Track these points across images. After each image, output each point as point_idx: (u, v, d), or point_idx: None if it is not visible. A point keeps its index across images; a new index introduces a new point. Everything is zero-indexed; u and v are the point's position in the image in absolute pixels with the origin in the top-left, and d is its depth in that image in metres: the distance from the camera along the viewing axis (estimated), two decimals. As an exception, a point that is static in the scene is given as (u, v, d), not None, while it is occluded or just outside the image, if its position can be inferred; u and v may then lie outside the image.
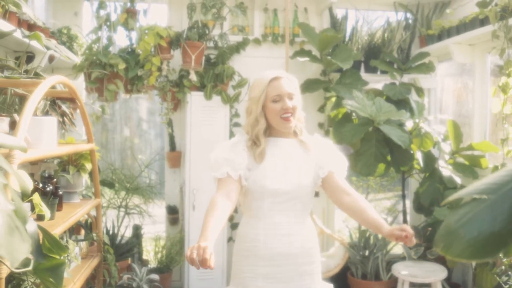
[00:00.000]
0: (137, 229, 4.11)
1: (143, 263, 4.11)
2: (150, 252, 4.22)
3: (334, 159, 2.13)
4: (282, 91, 2.03)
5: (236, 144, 2.09)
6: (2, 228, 0.90)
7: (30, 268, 1.30)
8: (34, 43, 2.61)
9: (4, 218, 0.91)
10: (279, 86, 2.04)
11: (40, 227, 1.25)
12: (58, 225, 2.15)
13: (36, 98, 1.79)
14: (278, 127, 2.06)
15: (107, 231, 3.95)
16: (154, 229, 4.36)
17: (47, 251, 1.28)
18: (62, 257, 1.29)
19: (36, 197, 1.75)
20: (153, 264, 4.18)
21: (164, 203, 4.44)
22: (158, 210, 4.41)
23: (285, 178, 2.02)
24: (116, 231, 3.99)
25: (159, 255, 4.12)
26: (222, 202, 1.88)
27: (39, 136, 2.14)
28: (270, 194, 2.02)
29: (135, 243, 4.00)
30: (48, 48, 2.46)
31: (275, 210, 2.03)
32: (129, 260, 3.93)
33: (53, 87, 2.43)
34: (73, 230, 3.59)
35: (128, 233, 4.13)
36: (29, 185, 1.25)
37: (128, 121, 5.93)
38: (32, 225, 1.14)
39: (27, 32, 2.32)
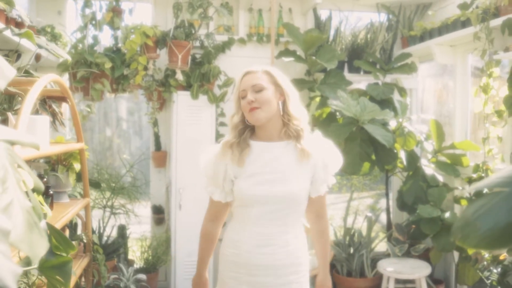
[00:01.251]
0: (122, 229, 4.09)
1: (129, 263, 4.09)
2: (136, 252, 4.20)
3: (329, 174, 1.97)
4: (245, 85, 1.91)
5: (221, 154, 1.96)
6: (23, 224, 0.90)
7: (35, 266, 1.30)
8: (22, 41, 2.58)
9: (24, 215, 0.92)
10: (244, 81, 1.93)
11: (47, 224, 1.25)
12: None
13: (33, 96, 1.79)
14: (250, 122, 1.93)
15: (93, 231, 3.92)
16: (139, 229, 4.35)
17: (54, 249, 1.28)
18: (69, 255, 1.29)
19: (38, 196, 1.74)
20: (139, 264, 4.16)
21: (150, 203, 4.42)
22: (143, 210, 4.40)
23: (275, 187, 1.88)
24: (101, 231, 3.96)
25: (145, 255, 4.10)
26: (211, 230, 2.08)
27: (33, 135, 2.13)
28: (257, 202, 1.90)
29: (121, 243, 3.98)
30: (40, 47, 2.44)
31: (263, 219, 1.91)
32: (115, 260, 3.90)
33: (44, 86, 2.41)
34: (58, 231, 3.56)
35: (114, 234, 4.10)
36: (41, 182, 1.25)
37: (109, 121, 5.89)
38: (42, 222, 1.14)
39: (17, 30, 2.29)
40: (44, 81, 1.91)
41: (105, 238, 3.96)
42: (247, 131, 1.97)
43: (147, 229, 4.43)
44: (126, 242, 4.12)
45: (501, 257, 3.29)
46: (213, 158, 1.97)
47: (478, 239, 0.77)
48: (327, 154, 1.97)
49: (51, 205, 2.44)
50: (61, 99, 2.46)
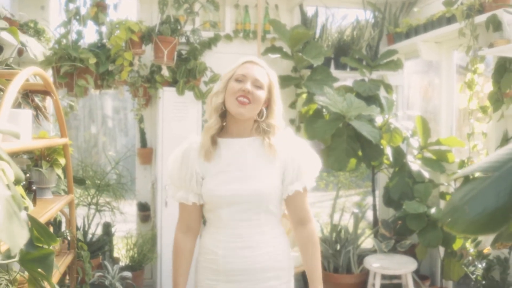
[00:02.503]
0: (107, 227, 4.05)
1: (114, 261, 4.05)
2: (122, 250, 4.16)
3: (303, 170, 1.84)
4: (248, 73, 1.81)
5: (188, 150, 1.86)
6: (2, 213, 0.88)
7: (16, 259, 1.27)
8: (4, 35, 2.54)
9: (3, 203, 0.89)
10: (249, 68, 1.82)
11: (28, 216, 1.22)
12: (34, 220, 2.10)
13: (14, 88, 1.75)
14: (231, 109, 1.80)
15: (77, 228, 3.87)
16: (125, 227, 4.31)
17: (36, 241, 1.25)
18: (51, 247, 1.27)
19: (19, 189, 1.71)
20: (124, 262, 4.12)
21: (135, 201, 4.38)
22: (129, 208, 4.36)
23: (242, 185, 1.79)
24: (86, 228, 3.92)
25: (130, 253, 4.07)
26: (184, 246, 1.90)
27: (15, 129, 2.09)
28: (226, 203, 1.80)
29: (106, 240, 3.94)
30: (23, 45, 2.40)
31: (235, 220, 1.81)
32: (100, 258, 3.86)
33: (26, 79, 2.37)
34: (42, 228, 3.50)
35: (99, 231, 4.06)
36: (21, 173, 1.21)
37: (94, 118, 5.84)
38: (23, 213, 1.12)
39: (2, 24, 2.25)
40: (26, 74, 1.88)
41: (90, 236, 3.91)
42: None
43: (133, 227, 4.39)
44: (112, 240, 4.08)
45: (485, 251, 3.31)
46: (181, 156, 1.87)
47: (467, 224, 0.77)
48: (298, 152, 1.87)
49: (34, 201, 2.39)
50: (45, 93, 2.42)
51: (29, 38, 2.53)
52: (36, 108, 2.41)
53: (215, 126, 1.83)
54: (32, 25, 3.78)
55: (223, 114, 1.87)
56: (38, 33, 3.81)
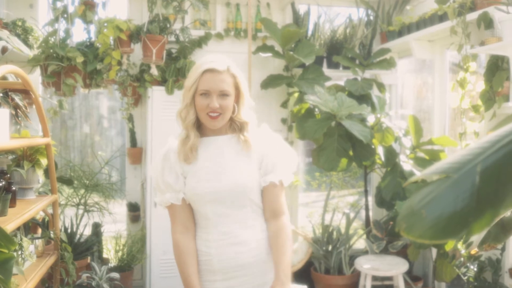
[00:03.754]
0: (96, 227, 4.01)
1: (103, 261, 4.01)
2: (111, 251, 4.12)
3: (277, 164, 1.86)
4: (211, 87, 1.78)
5: (168, 154, 1.87)
6: None
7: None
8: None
9: None
10: (210, 81, 1.79)
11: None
12: (10, 221, 2.06)
13: (-15, 87, 1.71)
14: (204, 122, 1.84)
15: (65, 229, 3.83)
16: (114, 228, 4.26)
17: (-6, 245, 1.21)
18: (11, 252, 1.22)
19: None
20: (113, 262, 4.08)
21: (125, 201, 4.34)
22: (118, 208, 4.32)
23: (221, 181, 1.81)
24: (74, 229, 3.87)
25: (119, 253, 4.02)
26: (187, 245, 1.83)
27: (-10, 128, 2.05)
28: (208, 200, 1.81)
29: (95, 241, 3.90)
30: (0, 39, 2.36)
31: (221, 217, 1.82)
32: (88, 258, 3.82)
33: (4, 78, 2.33)
34: (30, 229, 3.47)
35: (88, 232, 4.02)
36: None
37: (89, 118, 5.80)
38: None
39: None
40: (-1, 72, 1.83)
41: (78, 236, 3.87)
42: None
43: (123, 227, 4.35)
44: (101, 240, 4.04)
45: (472, 252, 3.27)
46: (162, 159, 1.87)
47: (423, 229, 0.72)
48: (273, 147, 1.88)
49: (13, 202, 2.35)
50: (24, 92, 2.38)
51: (11, 36, 2.48)
52: (16, 107, 2.37)
53: (196, 141, 1.84)
54: (20, 23, 3.73)
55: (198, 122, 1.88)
56: (26, 32, 3.76)
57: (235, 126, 1.88)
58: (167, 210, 1.90)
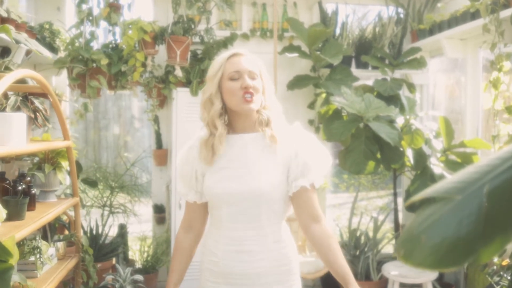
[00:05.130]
0: (122, 228, 4.02)
1: (129, 263, 4.02)
2: (136, 252, 4.12)
3: (309, 166, 1.71)
4: (241, 68, 1.70)
5: (191, 149, 1.81)
6: None
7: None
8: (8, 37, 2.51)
9: None
10: (238, 62, 1.72)
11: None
12: (27, 225, 2.06)
13: (-4, 92, 1.70)
14: (238, 109, 1.72)
15: (91, 230, 3.85)
16: (140, 228, 4.27)
17: (-7, 256, 1.19)
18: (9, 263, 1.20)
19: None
20: (139, 264, 4.09)
21: (151, 202, 4.34)
22: (144, 208, 4.32)
23: (242, 183, 1.70)
24: (100, 230, 3.89)
25: (144, 255, 4.02)
26: (183, 243, 1.85)
27: (7, 133, 2.05)
28: (225, 202, 1.72)
29: (120, 242, 3.91)
30: (17, 42, 2.36)
31: (234, 222, 1.73)
32: (114, 260, 3.83)
33: (24, 81, 2.34)
34: (56, 230, 3.50)
35: (113, 232, 4.03)
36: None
37: (121, 119, 5.85)
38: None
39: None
40: (12, 77, 1.83)
41: (103, 238, 3.89)
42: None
43: (149, 228, 4.35)
44: (126, 242, 4.05)
45: (504, 263, 3.12)
46: (186, 153, 1.83)
47: (423, 256, 0.65)
48: (304, 147, 1.73)
49: (32, 205, 2.36)
50: (43, 95, 2.38)
51: (29, 39, 2.49)
52: (35, 111, 2.37)
53: (224, 132, 1.73)
54: (47, 26, 3.77)
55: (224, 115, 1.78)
56: (53, 35, 3.80)
57: (262, 120, 1.75)
58: None
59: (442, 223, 0.65)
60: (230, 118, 1.78)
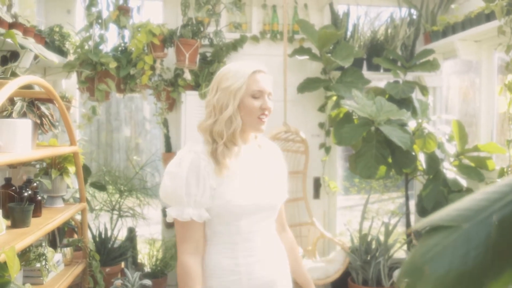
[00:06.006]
0: (131, 232, 4.00)
1: (138, 267, 4.00)
2: (145, 256, 4.10)
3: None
4: (264, 87, 1.69)
5: (197, 161, 1.65)
6: None
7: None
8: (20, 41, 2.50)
9: None
10: (262, 80, 1.69)
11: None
12: (32, 233, 2.04)
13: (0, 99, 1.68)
14: (251, 127, 1.72)
15: (100, 234, 3.84)
16: (149, 231, 4.25)
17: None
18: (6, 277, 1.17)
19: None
20: (148, 268, 4.07)
21: (160, 205, 4.32)
22: (153, 211, 4.30)
23: (262, 193, 1.70)
24: (109, 234, 3.88)
25: (153, 259, 4.00)
26: (197, 270, 1.65)
27: (12, 139, 2.04)
28: (246, 213, 1.67)
29: (129, 246, 3.89)
30: (23, 47, 2.35)
31: (252, 232, 1.69)
32: (122, 264, 3.82)
33: (30, 87, 2.33)
34: (65, 233, 3.49)
35: (122, 236, 4.01)
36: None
37: (132, 121, 5.84)
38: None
39: (2, 30, 2.21)
40: (16, 83, 1.81)
41: (111, 242, 3.87)
42: None
43: (158, 230, 4.33)
44: (135, 245, 4.03)
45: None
46: (186, 173, 1.63)
47: (426, 289, 0.61)
48: (282, 159, 1.91)
49: (38, 212, 2.35)
50: (49, 101, 2.37)
51: (36, 44, 2.47)
52: (41, 116, 2.35)
53: (241, 146, 1.72)
54: (57, 29, 3.77)
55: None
56: (63, 38, 3.80)
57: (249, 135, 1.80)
58: (176, 223, 1.67)
59: (447, 254, 0.60)
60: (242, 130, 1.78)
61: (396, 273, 3.59)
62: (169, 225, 4.24)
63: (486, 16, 3.44)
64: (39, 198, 2.38)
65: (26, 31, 2.87)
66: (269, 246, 1.75)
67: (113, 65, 3.59)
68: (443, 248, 0.61)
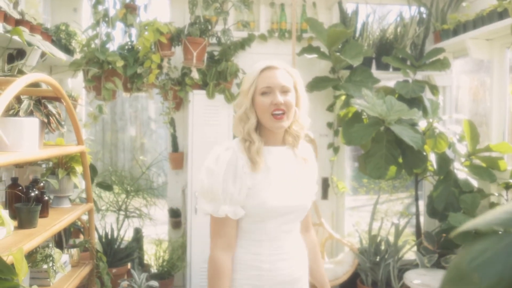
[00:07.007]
0: (137, 233, 3.96)
1: (144, 268, 3.96)
2: (152, 257, 4.06)
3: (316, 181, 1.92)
4: (272, 83, 1.68)
5: (234, 159, 1.67)
6: None
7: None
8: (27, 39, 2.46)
9: None
10: (271, 76, 1.69)
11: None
12: (39, 234, 2.00)
13: (6, 97, 1.64)
14: (268, 125, 1.70)
15: (106, 235, 3.80)
16: (155, 231, 4.20)
17: (-3, 274, 1.12)
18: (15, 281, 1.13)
19: None
20: (154, 269, 4.02)
21: (166, 205, 4.28)
22: (160, 212, 4.26)
23: (293, 195, 1.73)
24: (115, 235, 3.84)
25: (160, 260, 3.96)
26: (228, 266, 1.68)
27: (19, 138, 2.00)
28: (275, 214, 1.70)
29: (135, 247, 3.85)
30: (30, 44, 2.31)
31: (278, 232, 1.73)
32: (129, 265, 3.77)
33: (38, 85, 2.29)
34: (71, 234, 3.45)
35: (128, 236, 3.97)
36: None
37: (136, 120, 5.80)
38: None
39: (9, 27, 2.17)
40: (23, 81, 1.77)
41: (118, 242, 3.83)
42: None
43: (164, 230, 4.28)
44: (142, 246, 3.99)
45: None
46: (224, 170, 1.65)
47: (476, 299, 0.56)
48: (314, 161, 1.91)
49: (45, 212, 2.30)
50: (56, 99, 2.32)
51: (43, 41, 2.43)
52: (48, 115, 2.31)
53: (261, 145, 1.71)
54: (63, 27, 3.73)
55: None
56: (69, 36, 3.76)
57: (290, 138, 1.76)
58: (210, 218, 1.70)
59: (499, 261, 0.55)
60: (262, 131, 1.76)
61: (406, 275, 3.54)
62: (175, 226, 4.20)
63: (498, 14, 3.38)
64: (46, 198, 2.34)
65: (32, 29, 2.83)
66: (294, 246, 1.79)
67: (120, 63, 3.55)
68: (494, 255, 0.56)
